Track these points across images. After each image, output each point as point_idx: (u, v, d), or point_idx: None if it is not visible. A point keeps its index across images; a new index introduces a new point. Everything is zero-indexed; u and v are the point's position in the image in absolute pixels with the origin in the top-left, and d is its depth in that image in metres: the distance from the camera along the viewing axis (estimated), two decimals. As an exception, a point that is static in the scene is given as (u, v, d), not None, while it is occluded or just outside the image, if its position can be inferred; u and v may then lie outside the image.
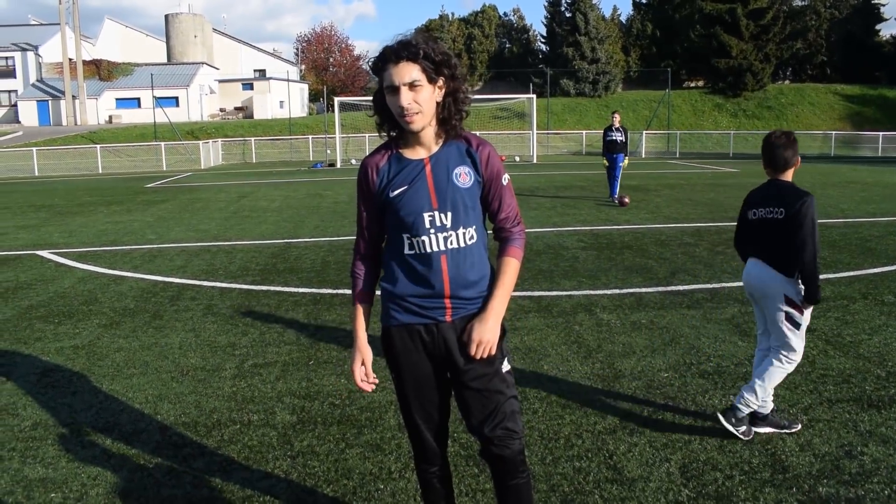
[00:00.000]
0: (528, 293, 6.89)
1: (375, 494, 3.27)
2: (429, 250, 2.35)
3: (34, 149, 34.67)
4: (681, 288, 6.99)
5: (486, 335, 2.37)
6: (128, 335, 5.88)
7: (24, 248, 10.40)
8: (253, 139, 40.65)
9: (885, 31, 57.69)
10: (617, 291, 6.89)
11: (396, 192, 2.36)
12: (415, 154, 2.38)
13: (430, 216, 2.34)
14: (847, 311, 6.12)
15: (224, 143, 39.77)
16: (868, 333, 5.49)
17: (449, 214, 2.35)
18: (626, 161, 14.75)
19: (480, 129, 42.23)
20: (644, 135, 38.31)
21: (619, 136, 14.49)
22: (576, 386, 4.52)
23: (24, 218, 14.54)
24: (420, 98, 2.25)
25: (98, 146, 36.10)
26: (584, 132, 43.24)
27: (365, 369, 2.48)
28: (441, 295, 2.38)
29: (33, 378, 4.91)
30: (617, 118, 14.57)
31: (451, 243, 2.36)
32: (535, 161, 32.69)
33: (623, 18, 59.15)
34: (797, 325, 3.66)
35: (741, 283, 7.02)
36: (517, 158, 34.64)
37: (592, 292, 6.88)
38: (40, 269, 8.83)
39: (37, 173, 32.80)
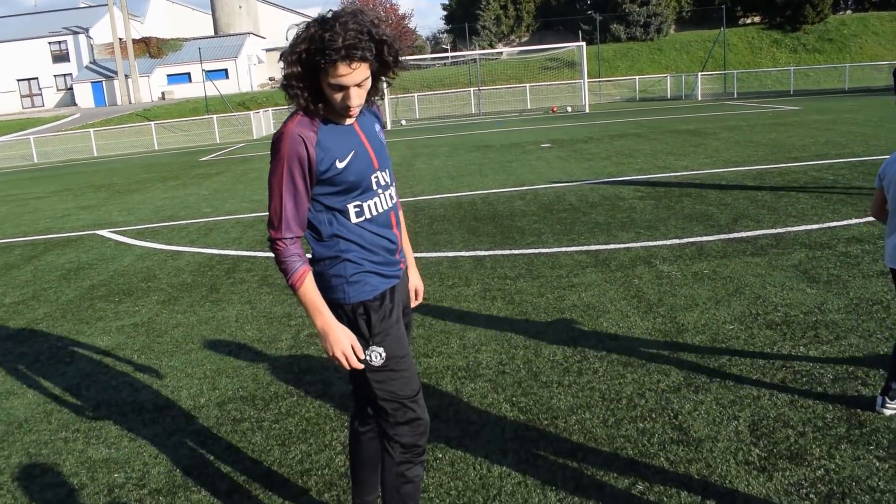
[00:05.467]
0: (585, 247, 6.71)
1: (434, 464, 3.21)
2: (381, 209, 2.35)
3: (91, 130, 35.53)
4: (744, 234, 6.71)
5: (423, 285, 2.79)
6: (185, 310, 5.94)
7: (86, 229, 10.64)
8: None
9: (956, -52, 54.03)
10: (677, 241, 6.66)
11: (346, 161, 2.23)
12: (342, 119, 2.27)
13: (375, 177, 2.33)
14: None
15: (275, 112, 40.00)
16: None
17: (387, 171, 2.41)
18: None
19: (530, 81, 41.57)
20: (699, 77, 37.08)
21: None
22: (637, 343, 4.36)
23: (84, 198, 14.90)
24: (364, 91, 2.18)
25: (152, 123, 36.76)
26: (636, 78, 42.13)
27: (354, 346, 2.27)
28: (395, 250, 2.42)
29: (96, 358, 4.99)
30: None
31: (393, 198, 2.43)
32: (587, 110, 32.02)
33: (673, -44, 56.88)
34: None
35: (807, 227, 6.75)
36: (569, 109, 33.99)
37: (651, 244, 6.66)
38: (101, 248, 9.01)
39: (95, 154, 33.62)
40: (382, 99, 2.40)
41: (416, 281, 2.71)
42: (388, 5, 72.83)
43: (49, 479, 3.40)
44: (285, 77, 2.13)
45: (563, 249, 6.73)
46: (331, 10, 2.13)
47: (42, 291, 7.03)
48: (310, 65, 2.08)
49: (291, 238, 2.22)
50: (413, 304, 2.68)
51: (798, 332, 4.32)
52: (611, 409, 3.56)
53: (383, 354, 2.34)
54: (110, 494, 3.21)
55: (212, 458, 3.45)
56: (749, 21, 52.62)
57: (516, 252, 6.79)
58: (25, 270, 8.08)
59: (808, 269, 5.52)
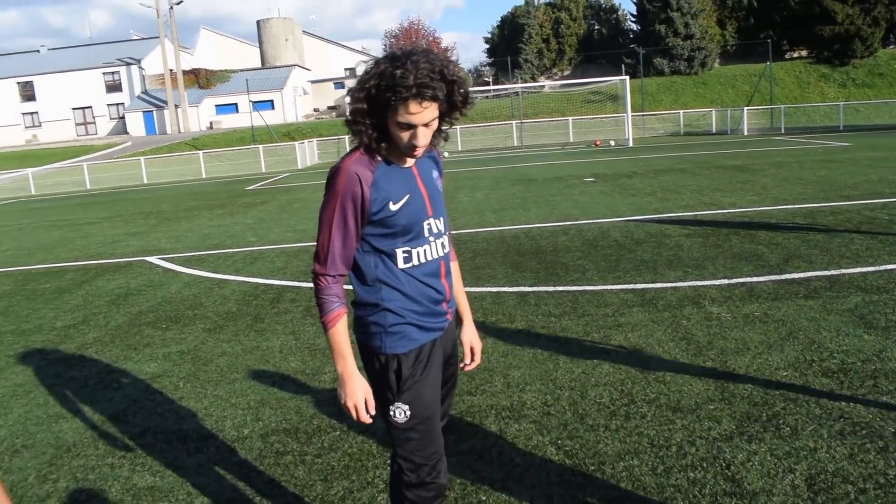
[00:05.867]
0: (631, 286, 6.62)
1: (478, 507, 3.15)
2: (431, 258, 2.30)
3: (142, 158, 36.48)
4: (796, 276, 6.55)
5: (480, 343, 2.62)
6: (230, 339, 5.98)
7: (135, 255, 10.85)
8: (347, 137, 41.22)
9: None
10: (726, 282, 6.53)
11: (400, 204, 2.19)
12: (402, 161, 2.23)
13: (427, 224, 2.28)
14: None
15: (319, 143, 40.67)
16: None
17: (441, 220, 2.35)
18: None
19: (572, 115, 41.60)
20: (745, 111, 36.73)
21: None
22: (686, 387, 4.26)
23: (134, 225, 15.22)
24: (430, 132, 2.15)
25: (201, 152, 37.57)
26: (681, 112, 41.86)
27: (367, 400, 2.26)
28: (442, 301, 2.35)
29: (142, 384, 5.04)
30: None
31: (445, 247, 2.37)
32: (630, 144, 31.88)
33: (718, -9, 56.72)
34: None
35: (863, 269, 6.56)
36: (612, 143, 33.88)
37: (699, 283, 6.54)
38: (149, 274, 9.16)
39: (145, 181, 34.41)
40: (447, 141, 2.35)
41: (471, 337, 2.60)
42: (431, 38, 73.76)
43: (94, 508, 3.42)
44: (352, 113, 2.11)
45: (609, 287, 6.65)
46: (401, 47, 2.12)
47: (92, 316, 7.15)
48: (378, 101, 2.06)
49: (335, 276, 2.21)
50: (469, 364, 2.59)
51: (856, 380, 4.18)
52: (660, 456, 3.47)
53: (407, 413, 2.29)
54: (154, 526, 3.21)
55: (254, 490, 3.44)
56: (796, 55, 52.13)
57: (560, 289, 6.72)
58: (77, 295, 8.25)
59: (864, 314, 5.35)
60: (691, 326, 5.34)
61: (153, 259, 10.32)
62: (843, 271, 6.59)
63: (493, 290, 6.87)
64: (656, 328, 5.36)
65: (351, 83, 59.21)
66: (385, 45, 73.11)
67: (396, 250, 2.23)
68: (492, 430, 3.87)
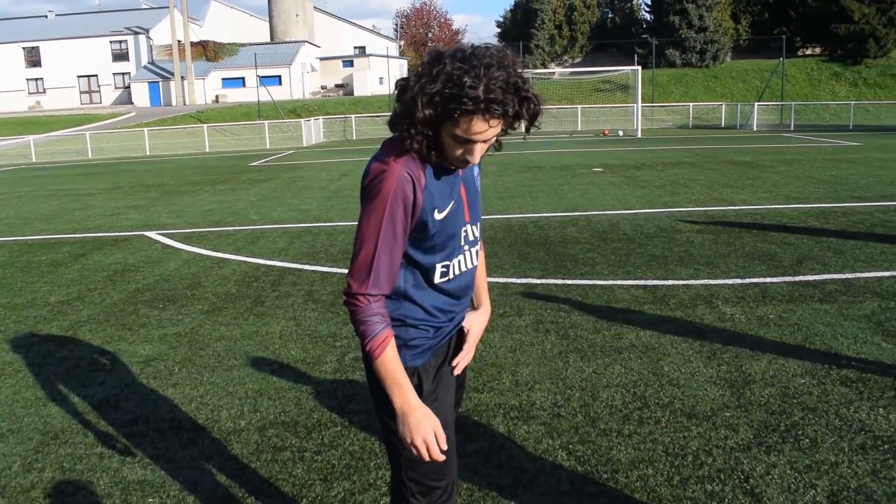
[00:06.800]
0: (642, 282, 6.45)
1: (484, 514, 2.99)
2: (464, 269, 2.06)
3: (146, 129, 36.20)
4: (810, 278, 6.38)
5: (478, 333, 2.27)
6: (229, 322, 5.82)
7: (134, 229, 10.68)
8: (354, 116, 41.06)
9: None
10: (739, 281, 6.36)
11: (444, 213, 1.91)
12: (449, 163, 1.92)
13: (464, 232, 2.02)
14: None
15: (325, 121, 40.35)
16: None
17: (478, 225, 2.10)
18: None
19: (581, 103, 41.26)
20: (756, 107, 36.39)
21: None
22: (701, 391, 4.10)
23: (135, 198, 15.04)
24: (487, 146, 1.86)
25: (205, 126, 37.29)
26: (690, 104, 41.47)
27: (437, 433, 1.89)
28: (457, 311, 2.12)
29: (136, 368, 4.88)
30: None
31: (477, 255, 2.13)
32: (639, 135, 31.59)
33: (733, -17, 56.11)
34: None
35: (878, 274, 6.39)
36: (620, 133, 33.61)
37: (712, 282, 6.37)
38: (148, 250, 8.99)
39: (148, 153, 34.18)
40: (500, 149, 2.03)
41: (472, 322, 2.24)
42: (442, 20, 73.17)
43: (81, 499, 3.26)
44: (416, 120, 1.75)
45: (619, 282, 6.47)
46: (471, 44, 1.78)
47: (87, 292, 6.99)
48: (439, 109, 1.73)
49: (376, 296, 1.87)
50: (456, 358, 2.18)
51: (875, 391, 4.02)
52: (675, 465, 3.31)
53: None
54: (143, 521, 3.06)
55: (250, 488, 3.29)
56: (809, 52, 51.65)
57: (570, 282, 6.55)
58: (72, 269, 8.08)
59: (881, 321, 5.19)
60: (704, 327, 5.18)
61: (152, 234, 10.15)
62: (859, 275, 6.41)
63: (501, 280, 6.70)
64: (668, 327, 5.20)
65: (361, 62, 58.85)
66: (395, 25, 72.56)
67: (436, 265, 1.97)
68: (500, 432, 3.72)
